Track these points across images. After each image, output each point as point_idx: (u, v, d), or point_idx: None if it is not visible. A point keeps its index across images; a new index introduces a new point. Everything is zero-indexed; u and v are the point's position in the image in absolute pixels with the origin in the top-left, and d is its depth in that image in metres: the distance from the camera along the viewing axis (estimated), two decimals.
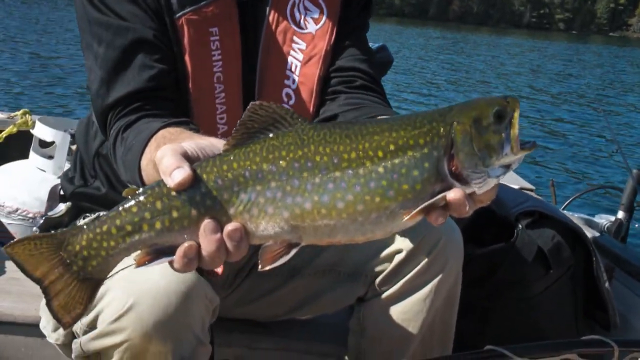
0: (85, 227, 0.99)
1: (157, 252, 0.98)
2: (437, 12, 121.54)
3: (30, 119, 3.07)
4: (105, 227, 0.98)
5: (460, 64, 25.81)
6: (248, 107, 0.99)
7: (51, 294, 1.01)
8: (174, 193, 0.96)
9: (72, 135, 2.77)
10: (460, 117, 0.99)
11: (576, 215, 2.93)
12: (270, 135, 0.98)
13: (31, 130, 2.91)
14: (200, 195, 0.96)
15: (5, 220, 2.67)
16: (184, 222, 0.96)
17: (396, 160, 0.97)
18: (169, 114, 1.34)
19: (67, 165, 2.74)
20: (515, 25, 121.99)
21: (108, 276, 1.08)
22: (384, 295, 1.56)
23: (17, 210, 2.66)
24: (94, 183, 1.60)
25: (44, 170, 2.78)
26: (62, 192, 1.69)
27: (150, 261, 0.98)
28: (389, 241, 1.53)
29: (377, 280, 1.56)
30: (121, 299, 1.22)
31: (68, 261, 1.00)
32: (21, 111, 3.15)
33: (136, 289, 1.22)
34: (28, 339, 1.92)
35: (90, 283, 1.02)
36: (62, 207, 1.65)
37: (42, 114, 3.23)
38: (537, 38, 74.90)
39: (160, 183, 0.97)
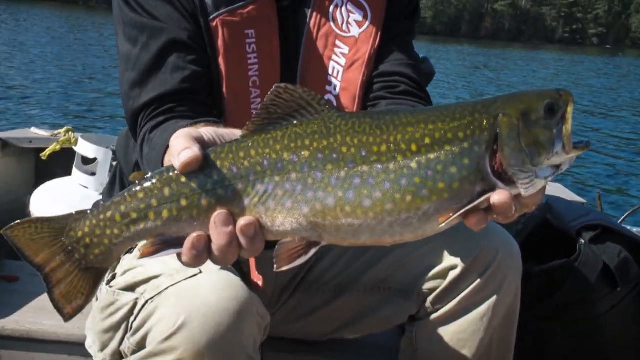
0: (88, 212, 0.97)
1: (164, 243, 0.94)
2: (469, 29, 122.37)
3: (73, 137, 3.09)
4: (109, 214, 0.94)
5: (495, 79, 26.00)
6: (272, 89, 0.94)
7: (52, 282, 0.99)
8: (183, 179, 0.91)
9: (114, 152, 2.78)
10: (507, 109, 0.92)
11: (635, 230, 2.79)
12: (295, 122, 0.93)
13: (74, 148, 2.94)
14: (212, 183, 0.91)
15: None
16: (193, 212, 0.91)
17: (432, 155, 0.90)
18: (200, 117, 1.30)
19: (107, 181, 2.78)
20: (548, 41, 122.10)
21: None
22: (438, 313, 1.52)
23: None
24: None
25: (86, 187, 2.80)
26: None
27: (156, 252, 0.94)
28: (443, 256, 1.50)
29: (431, 297, 1.53)
30: (171, 317, 1.17)
31: (70, 248, 0.97)
32: (64, 129, 3.17)
33: (186, 306, 1.18)
34: (72, 357, 1.91)
35: (92, 272, 0.99)
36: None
37: (85, 132, 3.26)
38: (571, 53, 74.86)
39: (170, 168, 0.93)
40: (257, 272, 1.28)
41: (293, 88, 0.94)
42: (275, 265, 0.94)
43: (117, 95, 11.21)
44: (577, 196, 3.33)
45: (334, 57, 1.52)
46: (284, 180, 0.91)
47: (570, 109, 0.93)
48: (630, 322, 2.09)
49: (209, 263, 1.11)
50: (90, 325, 1.45)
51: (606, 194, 7.38)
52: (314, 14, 1.50)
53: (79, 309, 1.01)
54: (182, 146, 0.91)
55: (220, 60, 1.42)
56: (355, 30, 1.53)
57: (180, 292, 1.22)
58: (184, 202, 0.91)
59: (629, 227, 2.84)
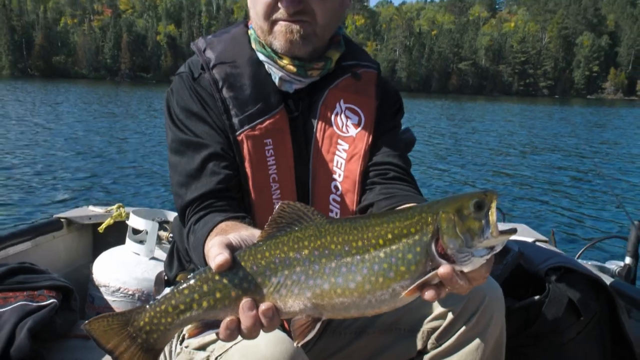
0: (147, 306, 1.02)
1: (205, 326, 1.00)
2: (439, 85, 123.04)
3: (124, 211, 3.13)
4: (163, 307, 1.00)
5: (461, 127, 25.91)
6: (277, 206, 1.02)
7: None
8: (217, 277, 0.98)
9: (159, 223, 2.89)
10: (445, 208, 1.00)
11: (589, 263, 2.87)
12: (295, 228, 1.01)
13: (126, 221, 2.96)
14: (239, 279, 0.98)
15: (109, 298, 2.70)
16: (225, 302, 0.98)
17: (394, 247, 0.98)
18: (233, 209, 1.38)
19: (156, 249, 2.82)
20: (505, 93, 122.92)
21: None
22: (441, 348, 1.51)
23: (119, 289, 2.69)
24: (190, 266, 1.61)
25: (138, 254, 2.82)
26: (165, 278, 1.72)
27: (200, 333, 1.01)
28: (442, 301, 1.49)
29: (434, 335, 1.52)
30: None
31: (134, 335, 1.02)
32: (116, 205, 3.21)
33: (250, 359, 1.24)
34: None
35: (152, 352, 1.04)
36: (167, 290, 1.68)
37: (133, 206, 3.31)
38: (526, 103, 75.12)
39: (207, 269, 1.00)
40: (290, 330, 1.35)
41: (293, 204, 1.03)
42: (295, 342, 1.01)
43: (161, 173, 11.11)
44: (540, 234, 3.35)
45: (337, 152, 1.55)
46: (291, 272, 0.98)
47: (494, 205, 1.00)
48: (593, 343, 2.11)
49: None
50: None
51: (564, 226, 7.46)
52: (320, 122, 1.54)
53: None
54: (216, 252, 0.98)
55: (247, 165, 1.47)
56: (352, 131, 1.56)
57: (242, 349, 1.26)
58: (218, 295, 0.98)
59: (584, 262, 2.89)
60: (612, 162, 14.80)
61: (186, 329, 1.02)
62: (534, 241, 3.10)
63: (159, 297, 1.03)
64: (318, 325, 1.01)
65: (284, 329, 1.31)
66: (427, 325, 1.51)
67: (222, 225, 1.25)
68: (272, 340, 1.24)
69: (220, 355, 1.30)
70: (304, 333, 1.00)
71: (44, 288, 2.23)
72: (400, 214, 1.02)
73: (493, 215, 0.99)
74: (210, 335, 1.33)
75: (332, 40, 1.58)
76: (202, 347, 1.38)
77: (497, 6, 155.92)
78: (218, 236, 1.07)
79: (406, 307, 1.51)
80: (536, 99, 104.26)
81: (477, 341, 1.47)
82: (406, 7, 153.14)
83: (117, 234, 3.04)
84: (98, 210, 3.26)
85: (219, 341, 1.32)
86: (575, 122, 33.03)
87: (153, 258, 2.78)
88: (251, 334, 0.99)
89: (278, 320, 0.99)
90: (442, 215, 0.99)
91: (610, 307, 2.14)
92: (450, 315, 1.47)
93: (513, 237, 2.84)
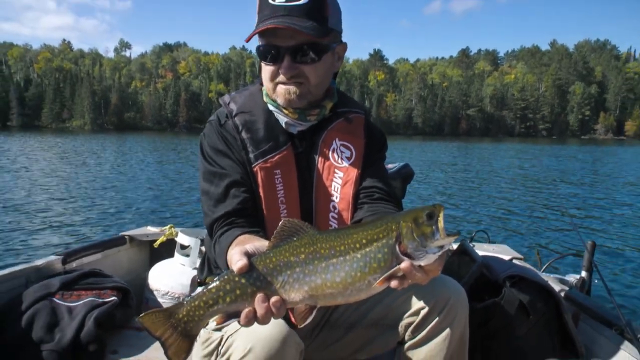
0: (184, 302, 1.09)
1: (228, 316, 1.07)
2: (450, 129, 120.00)
3: (174, 231, 3.21)
4: (196, 302, 1.07)
5: (471, 166, 25.47)
6: (280, 222, 1.11)
7: (167, 346, 1.11)
8: (237, 278, 1.05)
9: (201, 240, 2.90)
10: (405, 218, 1.08)
11: (552, 276, 2.87)
12: (294, 239, 1.09)
13: (175, 238, 3.04)
14: (253, 279, 1.05)
15: (161, 300, 2.81)
16: (244, 297, 1.05)
17: (367, 249, 1.06)
18: (249, 225, 1.44)
19: (198, 261, 2.80)
20: (509, 135, 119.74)
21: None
22: (416, 339, 1.53)
23: (168, 292, 2.79)
24: (217, 271, 1.64)
25: (184, 265, 2.89)
26: (198, 280, 1.77)
27: (224, 321, 1.07)
28: (416, 301, 1.53)
29: (410, 328, 1.54)
30: (244, 345, 1.29)
31: (175, 325, 1.09)
32: (168, 226, 3.32)
33: (252, 339, 1.28)
34: None
35: (189, 338, 1.11)
36: (199, 290, 1.75)
37: (182, 226, 3.44)
38: (527, 143, 73.46)
39: (229, 272, 1.07)
40: (293, 318, 1.35)
41: (292, 220, 1.10)
42: (297, 324, 1.09)
43: (198, 200, 11.60)
44: (517, 252, 3.36)
45: (334, 180, 1.58)
46: (292, 272, 1.05)
47: (441, 214, 1.07)
48: (541, 339, 2.14)
49: None
50: (195, 354, 1.52)
51: (539, 246, 7.35)
52: (320, 156, 1.59)
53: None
54: (237, 258, 1.05)
55: (260, 190, 1.52)
56: (346, 162, 1.60)
57: (248, 330, 1.29)
58: (238, 292, 1.05)
59: (548, 275, 2.89)
60: (584, 195, 14.49)
61: (213, 319, 1.08)
62: (511, 258, 3.10)
63: (193, 295, 1.09)
64: (314, 312, 1.08)
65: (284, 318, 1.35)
66: (404, 321, 1.55)
67: (241, 237, 1.31)
68: (272, 323, 1.27)
69: (232, 334, 1.34)
70: (304, 318, 1.08)
71: (108, 288, 2.34)
72: (371, 224, 1.09)
73: (441, 222, 1.07)
74: None
75: (327, 92, 1.63)
76: (218, 329, 1.41)
77: (499, 61, 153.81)
78: (237, 246, 1.14)
79: (388, 306, 1.58)
80: (536, 139, 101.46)
81: (444, 334, 1.50)
82: (420, 63, 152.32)
83: (168, 248, 3.13)
84: (154, 229, 3.36)
85: (231, 324, 1.35)
86: (562, 160, 32.08)
87: (195, 268, 2.81)
88: (265, 321, 1.05)
89: (284, 309, 1.06)
90: (402, 223, 1.07)
91: (557, 309, 2.17)
92: (422, 313, 1.51)
93: (485, 254, 2.91)
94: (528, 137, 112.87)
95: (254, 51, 1.63)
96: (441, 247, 1.08)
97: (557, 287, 2.58)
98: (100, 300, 2.24)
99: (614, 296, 2.15)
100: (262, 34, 1.46)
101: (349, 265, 1.06)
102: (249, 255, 1.08)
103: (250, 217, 1.48)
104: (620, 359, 1.98)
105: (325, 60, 1.52)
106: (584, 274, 2.84)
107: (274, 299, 1.04)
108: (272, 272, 1.05)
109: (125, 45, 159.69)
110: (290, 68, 1.47)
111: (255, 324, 1.26)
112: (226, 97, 1.65)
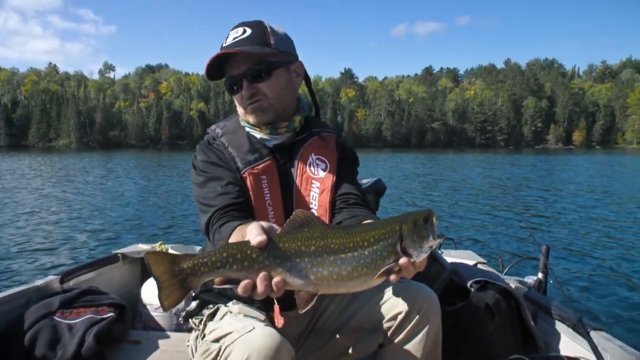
0: (194, 255, 1.06)
1: (228, 281, 1.06)
2: (417, 141, 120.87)
3: (165, 247, 3.16)
4: (205, 260, 1.05)
5: (435, 175, 25.72)
6: (294, 212, 1.12)
7: (161, 288, 1.09)
8: (248, 251, 1.04)
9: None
10: (406, 220, 1.12)
11: (513, 278, 2.93)
12: (305, 230, 1.09)
13: None
14: (263, 257, 1.04)
15: (153, 314, 2.76)
16: (249, 270, 1.04)
17: (374, 247, 1.09)
18: (243, 219, 1.44)
19: None
20: (470, 146, 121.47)
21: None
22: (394, 342, 1.56)
23: (160, 307, 2.64)
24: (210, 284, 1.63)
25: None
26: (193, 294, 1.74)
27: (223, 284, 1.05)
28: (393, 307, 1.56)
29: (389, 332, 1.57)
30: (241, 356, 1.28)
31: (177, 272, 1.06)
32: (158, 243, 3.27)
33: (248, 349, 1.28)
34: None
35: (184, 289, 1.08)
36: (193, 304, 1.72)
37: (171, 243, 3.34)
38: (487, 153, 74.80)
39: (242, 243, 1.06)
40: (281, 326, 1.30)
41: (305, 211, 1.11)
42: (299, 310, 1.09)
43: (187, 216, 11.34)
44: (481, 257, 3.42)
45: (312, 189, 1.62)
46: (301, 261, 1.05)
47: (434, 218, 1.12)
48: (506, 335, 2.19)
49: (260, 324, 1.35)
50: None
51: (499, 250, 7.52)
52: (298, 169, 1.64)
53: (172, 306, 1.10)
54: (257, 232, 1.05)
55: (250, 193, 1.56)
56: (322, 174, 1.65)
57: (245, 341, 1.31)
58: (246, 264, 1.04)
59: (509, 277, 2.95)
60: (543, 202, 14.73)
61: (214, 279, 1.06)
62: (475, 263, 3.19)
63: (204, 252, 1.08)
64: (315, 298, 1.09)
65: (274, 327, 1.36)
66: (384, 325, 1.57)
67: (239, 227, 1.31)
68: (265, 334, 1.30)
69: (229, 345, 1.34)
70: (305, 304, 1.09)
71: (105, 305, 2.29)
72: (377, 225, 1.13)
73: (434, 225, 1.12)
74: (222, 330, 1.43)
75: (296, 109, 1.71)
76: (216, 341, 1.42)
77: (459, 78, 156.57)
78: (254, 222, 1.11)
79: (369, 312, 1.60)
80: (495, 149, 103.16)
81: (420, 336, 1.53)
82: (388, 81, 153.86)
83: None
84: (145, 246, 3.30)
85: (228, 336, 1.38)
86: (521, 168, 32.68)
87: None
88: (261, 296, 1.06)
89: (284, 290, 1.07)
90: (404, 226, 1.11)
91: (517, 308, 2.22)
92: (400, 317, 1.54)
93: (453, 260, 2.97)
94: (488, 148, 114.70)
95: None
96: (431, 247, 1.13)
97: (517, 288, 2.65)
98: (99, 316, 2.22)
99: (567, 295, 2.23)
100: (224, 74, 1.61)
101: (357, 261, 1.08)
102: (267, 232, 1.07)
103: (245, 212, 1.51)
104: (574, 351, 2.03)
105: (278, 76, 1.60)
106: (540, 275, 2.91)
107: (277, 279, 1.05)
108: (282, 256, 1.05)
109: (109, 67, 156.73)
110: (248, 88, 1.58)
111: (251, 335, 1.30)
112: (213, 126, 1.74)
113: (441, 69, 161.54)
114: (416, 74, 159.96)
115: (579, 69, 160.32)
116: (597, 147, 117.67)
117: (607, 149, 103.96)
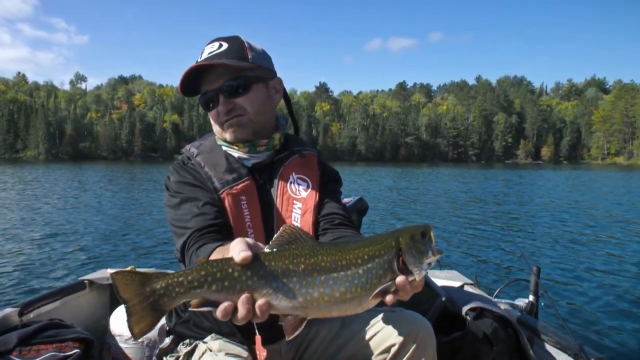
0: (167, 275, 0.96)
1: (207, 303, 0.95)
2: (391, 155, 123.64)
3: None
4: (180, 279, 0.94)
5: (408, 189, 25.94)
6: (281, 227, 1.03)
7: (130, 313, 0.97)
8: (230, 270, 0.94)
9: None
10: (403, 235, 1.04)
11: (503, 301, 2.86)
12: (293, 246, 1.00)
13: None
14: (246, 277, 0.94)
15: (123, 345, 2.60)
16: (230, 291, 0.94)
17: (369, 265, 1.01)
18: (221, 240, 1.35)
19: None
20: (443, 160, 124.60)
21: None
22: None
23: (130, 337, 2.47)
24: (184, 315, 1.60)
25: None
26: (167, 328, 1.66)
27: (201, 306, 0.95)
28: (386, 339, 1.50)
29: None
30: None
31: (148, 294, 0.96)
32: (129, 267, 3.04)
33: None
34: None
35: (157, 313, 0.97)
36: (167, 340, 1.63)
37: (143, 267, 3.20)
38: (459, 167, 76.29)
39: (223, 260, 0.95)
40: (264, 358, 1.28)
41: (293, 226, 1.03)
42: (286, 337, 0.99)
43: (161, 238, 10.44)
44: (467, 278, 3.32)
45: (294, 209, 1.56)
46: (289, 281, 0.95)
47: (432, 233, 1.06)
48: None
49: None
50: None
51: (485, 272, 7.28)
52: (278, 189, 1.58)
53: (143, 333, 0.98)
54: (241, 248, 0.95)
55: (229, 214, 1.48)
56: (304, 194, 1.59)
57: None
58: (226, 284, 0.93)
59: (499, 300, 2.85)
60: (523, 217, 14.90)
61: (190, 301, 0.96)
62: (462, 284, 3.09)
63: (178, 271, 0.97)
64: (304, 323, 1.00)
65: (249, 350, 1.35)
66: (376, 358, 1.50)
67: (219, 248, 1.21)
68: None
69: None
70: (293, 330, 0.99)
71: (70, 340, 2.13)
72: (372, 240, 1.04)
73: (432, 240, 1.06)
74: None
75: (276, 127, 1.66)
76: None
77: (432, 94, 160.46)
78: (238, 239, 1.01)
79: (359, 342, 1.54)
80: (467, 164, 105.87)
81: None
82: (362, 95, 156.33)
83: None
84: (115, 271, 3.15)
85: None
86: (494, 183, 33.43)
87: None
88: (243, 320, 0.95)
89: (268, 314, 0.97)
90: (402, 240, 1.03)
91: (516, 336, 2.17)
92: (393, 350, 1.47)
93: (443, 283, 2.86)
94: (460, 162, 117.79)
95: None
96: (430, 263, 1.05)
97: (509, 312, 2.57)
98: (62, 354, 2.01)
99: (563, 319, 2.14)
100: (199, 90, 1.57)
101: (350, 281, 0.99)
102: (252, 249, 0.96)
103: (223, 234, 1.41)
104: None
105: (257, 90, 1.55)
106: (531, 297, 2.85)
107: (261, 302, 0.94)
108: (267, 275, 0.95)
109: (80, 77, 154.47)
110: (226, 104, 1.53)
111: (238, 324, 1.11)
112: (188, 146, 1.67)
113: (414, 84, 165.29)
114: (390, 89, 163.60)
115: (546, 87, 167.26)
116: (565, 162, 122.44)
117: (574, 164, 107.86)
